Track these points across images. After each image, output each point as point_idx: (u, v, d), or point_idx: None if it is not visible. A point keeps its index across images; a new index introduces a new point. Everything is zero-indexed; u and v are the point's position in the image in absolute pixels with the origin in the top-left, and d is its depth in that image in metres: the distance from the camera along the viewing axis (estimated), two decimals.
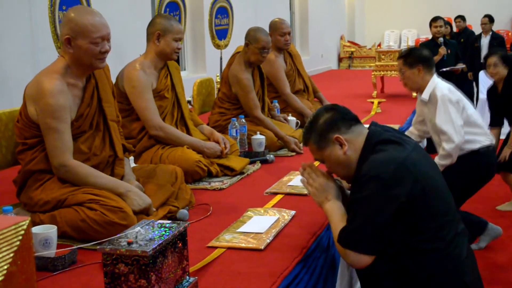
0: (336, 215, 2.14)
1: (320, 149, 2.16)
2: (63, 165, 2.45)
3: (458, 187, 3.63)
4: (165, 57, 3.42)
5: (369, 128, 2.16)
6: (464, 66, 7.68)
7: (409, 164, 1.97)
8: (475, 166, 3.62)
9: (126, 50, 5.42)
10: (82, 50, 2.46)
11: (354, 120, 2.17)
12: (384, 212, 1.94)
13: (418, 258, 2.00)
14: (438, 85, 3.60)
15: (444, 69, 7.00)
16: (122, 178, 2.68)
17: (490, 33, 9.63)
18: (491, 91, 4.83)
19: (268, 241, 2.35)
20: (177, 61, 3.67)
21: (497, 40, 9.53)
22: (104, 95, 2.66)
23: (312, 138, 2.17)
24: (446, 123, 3.51)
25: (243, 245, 2.31)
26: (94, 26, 2.45)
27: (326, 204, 2.20)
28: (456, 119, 3.52)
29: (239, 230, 2.49)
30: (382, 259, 2.00)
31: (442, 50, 6.93)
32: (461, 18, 10.29)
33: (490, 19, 9.70)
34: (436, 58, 6.86)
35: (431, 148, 6.68)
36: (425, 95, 3.63)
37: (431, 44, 7.06)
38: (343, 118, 2.15)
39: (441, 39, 7.09)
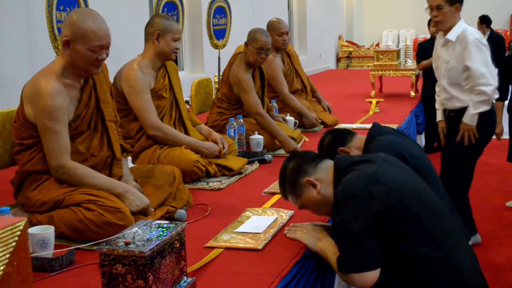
0: (331, 249, 2.16)
1: (298, 197, 2.25)
2: (61, 166, 2.45)
3: (460, 148, 3.65)
4: (164, 57, 3.41)
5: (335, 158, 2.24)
6: None
7: (379, 176, 2.03)
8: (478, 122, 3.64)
9: (124, 50, 5.42)
10: (79, 55, 2.45)
11: (317, 159, 2.26)
12: (366, 226, 1.95)
13: (413, 262, 1.99)
14: (468, 29, 3.65)
15: None
16: (120, 178, 2.67)
17: (488, 33, 9.65)
18: (509, 61, 4.76)
19: (266, 241, 2.34)
20: (175, 61, 3.68)
21: (493, 41, 9.56)
22: (102, 95, 2.65)
23: (288, 190, 2.27)
24: (483, 65, 3.54)
25: (241, 245, 2.31)
26: (95, 33, 2.43)
27: (319, 243, 2.23)
28: (490, 62, 3.56)
29: (237, 230, 2.48)
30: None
31: None
32: None
33: (481, 20, 9.74)
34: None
35: (429, 147, 6.70)
36: (452, 35, 3.65)
37: (430, 44, 7.04)
38: (306, 161, 2.25)
39: None
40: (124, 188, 2.50)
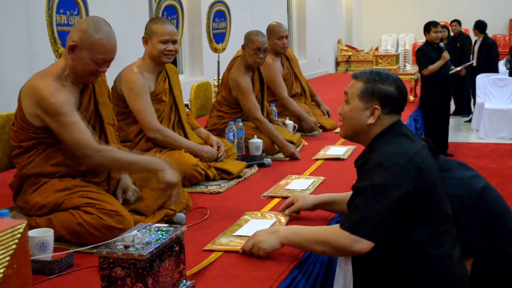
0: (303, 229, 2.19)
1: (357, 97, 2.20)
2: (97, 151, 2.42)
3: None
4: (155, 60, 3.39)
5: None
6: (470, 63, 7.72)
7: (417, 158, 2.05)
8: None
9: (123, 53, 5.39)
10: (81, 62, 2.45)
11: (398, 113, 2.21)
12: (392, 200, 1.99)
13: (412, 256, 2.05)
14: None
15: (451, 72, 6.97)
16: (118, 181, 2.68)
17: (481, 38, 9.71)
18: None
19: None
20: (174, 64, 3.66)
21: (485, 46, 9.63)
22: (101, 98, 2.65)
23: (364, 86, 2.19)
24: None
25: (239, 248, 2.30)
26: (103, 46, 2.44)
27: (280, 233, 2.19)
28: None
29: (235, 233, 2.48)
30: (379, 254, 2.05)
31: (447, 55, 6.85)
32: (457, 22, 10.36)
33: (475, 26, 9.82)
34: (440, 63, 6.82)
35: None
36: None
37: (429, 49, 7.01)
38: (396, 104, 2.18)
39: (442, 44, 7.02)
40: (160, 164, 2.52)
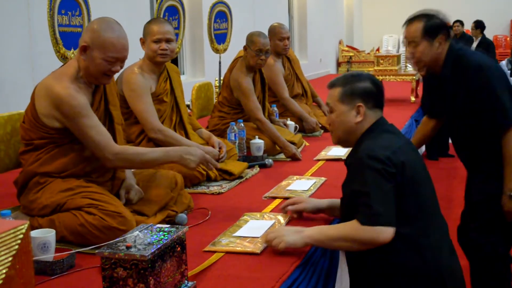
0: (323, 228, 2.24)
1: (339, 102, 2.28)
2: (115, 153, 2.46)
3: None
4: (152, 60, 3.39)
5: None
6: None
7: (401, 152, 2.15)
8: None
9: None
10: (94, 63, 2.45)
11: (380, 106, 2.32)
12: (390, 180, 2.08)
13: (402, 246, 2.09)
14: None
15: None
16: (122, 182, 2.68)
17: (479, 38, 9.73)
18: None
19: (265, 245, 2.34)
20: (176, 65, 3.67)
21: (483, 45, 9.66)
22: (111, 98, 2.66)
23: (343, 89, 2.28)
24: None
25: (239, 248, 2.30)
26: (113, 45, 2.44)
27: (305, 233, 2.23)
28: None
29: (235, 234, 2.48)
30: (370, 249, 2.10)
31: None
32: (460, 22, 10.36)
33: (476, 25, 9.84)
34: None
35: (432, 154, 6.68)
36: None
37: None
38: (378, 97, 2.29)
39: None
40: (179, 153, 2.59)
